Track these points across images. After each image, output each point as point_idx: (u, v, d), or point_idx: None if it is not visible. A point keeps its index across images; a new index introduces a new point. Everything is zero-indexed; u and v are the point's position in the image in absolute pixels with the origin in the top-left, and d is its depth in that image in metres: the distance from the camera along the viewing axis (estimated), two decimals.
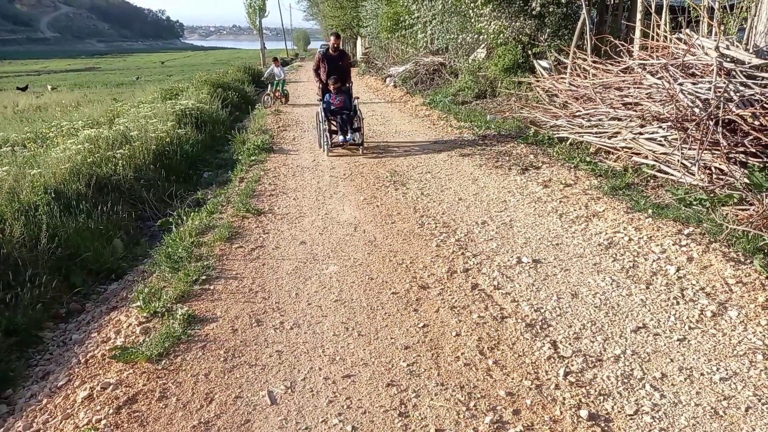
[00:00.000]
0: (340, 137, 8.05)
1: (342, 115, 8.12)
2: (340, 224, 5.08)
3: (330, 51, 8.34)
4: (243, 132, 10.22)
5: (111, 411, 2.57)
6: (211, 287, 3.84)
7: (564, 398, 2.58)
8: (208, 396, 2.65)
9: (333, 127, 8.24)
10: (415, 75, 15.50)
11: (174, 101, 12.08)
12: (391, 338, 3.14)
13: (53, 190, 5.53)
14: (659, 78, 6.52)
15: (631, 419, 2.43)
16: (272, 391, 2.68)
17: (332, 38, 8.38)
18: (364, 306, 3.52)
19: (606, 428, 2.38)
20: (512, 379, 2.74)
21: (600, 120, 7.43)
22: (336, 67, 8.27)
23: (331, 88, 8.14)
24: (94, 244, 5.12)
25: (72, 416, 2.62)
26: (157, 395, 2.67)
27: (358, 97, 8.53)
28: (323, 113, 8.17)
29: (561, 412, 2.49)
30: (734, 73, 5.58)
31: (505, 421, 2.45)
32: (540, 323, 3.24)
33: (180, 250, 4.44)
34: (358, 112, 8.22)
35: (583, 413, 2.46)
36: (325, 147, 8.09)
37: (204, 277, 3.95)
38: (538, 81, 9.92)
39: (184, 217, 5.52)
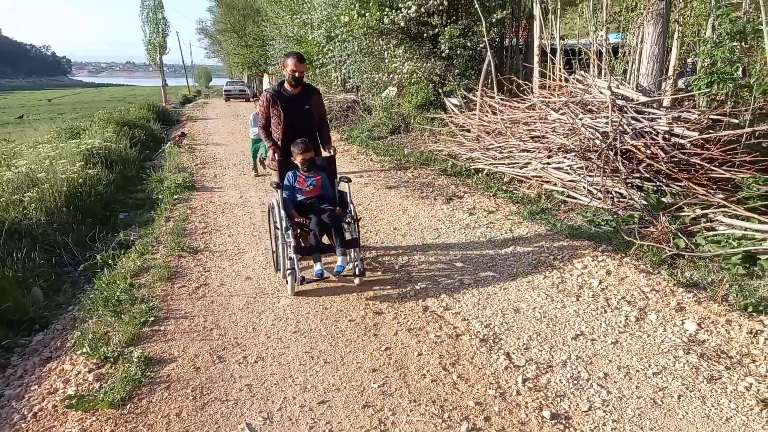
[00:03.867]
0: (317, 267, 4.20)
1: (319, 214, 4.31)
2: None
3: (286, 87, 4.61)
4: (158, 170, 9.90)
5: None
6: (162, 328, 3.73)
7: (526, 402, 2.83)
8: None
9: (301, 239, 4.52)
10: (329, 111, 15.84)
11: (78, 140, 11.46)
12: (358, 363, 3.24)
13: None
14: (562, 114, 7.27)
15: (587, 414, 2.72)
16: (251, 424, 2.69)
17: (291, 62, 4.48)
18: (324, 335, 3.60)
19: (567, 425, 2.65)
20: (477, 389, 2.95)
21: (511, 152, 8.10)
22: (302, 118, 4.62)
23: (298, 160, 4.43)
24: (13, 293, 4.76)
25: None
26: None
27: (349, 180, 4.58)
28: (281, 211, 4.33)
29: (526, 415, 2.72)
30: (626, 108, 6.39)
31: (479, 428, 2.64)
32: (492, 338, 3.50)
33: (119, 293, 4.26)
34: (350, 206, 4.48)
35: (546, 413, 2.72)
36: (289, 279, 4.21)
37: (152, 319, 3.83)
38: (450, 117, 10.60)
39: (111, 261, 5.29)
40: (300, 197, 4.52)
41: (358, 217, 4.52)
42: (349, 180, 4.58)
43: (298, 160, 4.45)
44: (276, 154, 4.61)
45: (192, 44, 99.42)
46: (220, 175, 9.59)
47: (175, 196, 7.81)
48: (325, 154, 4.80)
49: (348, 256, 4.31)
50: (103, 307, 4.09)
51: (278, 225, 4.38)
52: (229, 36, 42.26)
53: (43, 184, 7.32)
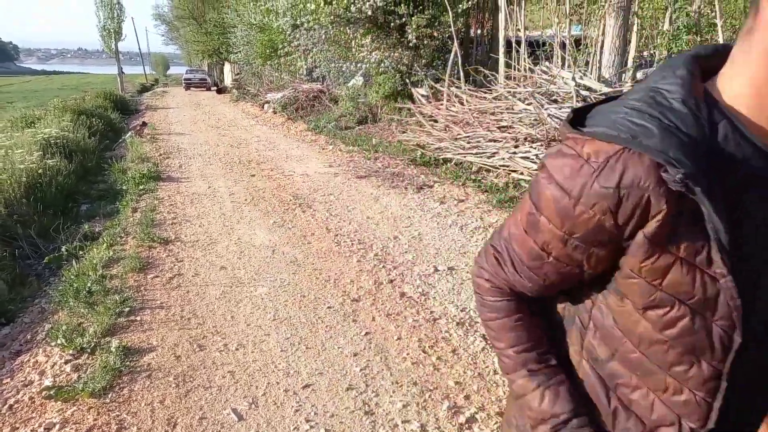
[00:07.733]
0: None
1: None
2: (256, 248, 5.10)
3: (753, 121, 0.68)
4: (120, 161, 9.66)
5: None
6: (138, 318, 3.70)
7: (504, 381, 2.94)
8: (170, 421, 2.62)
9: None
10: (295, 101, 15.69)
11: (33, 130, 11.06)
12: (338, 348, 3.30)
13: None
14: (528, 104, 7.45)
15: None
16: (236, 408, 2.72)
17: None
18: (303, 322, 3.64)
19: None
20: (456, 370, 3.06)
21: (479, 142, 8.24)
22: None
23: None
24: None
25: None
26: (114, 427, 2.57)
27: None
28: None
29: (504, 393, 2.84)
30: (589, 99, 6.60)
31: (459, 406, 2.74)
32: (468, 321, 3.61)
33: (90, 284, 4.18)
34: None
35: None
36: None
37: (127, 309, 3.79)
38: (418, 107, 10.68)
39: (80, 252, 5.18)
40: None
41: None
42: None
43: None
44: None
45: (149, 31, 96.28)
46: (185, 165, 9.42)
47: (141, 187, 7.65)
48: None
49: None
50: (75, 299, 4.01)
51: None
52: (187, 23, 41.13)
53: (1, 175, 7.07)
